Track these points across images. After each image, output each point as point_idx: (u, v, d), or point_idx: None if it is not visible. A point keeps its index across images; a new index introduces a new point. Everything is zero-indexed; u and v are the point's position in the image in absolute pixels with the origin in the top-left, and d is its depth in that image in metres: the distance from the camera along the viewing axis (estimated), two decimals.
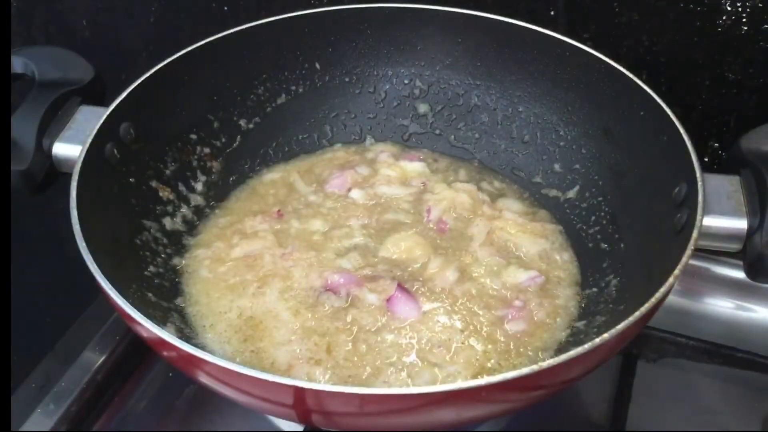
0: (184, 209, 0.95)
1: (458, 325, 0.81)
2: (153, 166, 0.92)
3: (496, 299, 0.84)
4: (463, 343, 0.80)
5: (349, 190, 0.98)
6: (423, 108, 1.07)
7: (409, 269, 0.88)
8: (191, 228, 0.95)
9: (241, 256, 0.89)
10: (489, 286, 0.86)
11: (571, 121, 0.97)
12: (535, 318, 0.83)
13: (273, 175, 1.03)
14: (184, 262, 0.90)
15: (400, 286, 0.84)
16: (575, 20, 1.03)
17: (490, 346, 0.80)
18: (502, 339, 0.81)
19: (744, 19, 0.95)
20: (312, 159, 1.05)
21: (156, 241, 0.89)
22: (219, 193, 0.99)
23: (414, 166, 1.01)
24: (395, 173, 1.00)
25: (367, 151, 1.06)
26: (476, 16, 0.98)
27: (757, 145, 0.80)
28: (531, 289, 0.86)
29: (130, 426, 0.90)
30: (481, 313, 0.83)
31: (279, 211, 0.96)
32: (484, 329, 0.81)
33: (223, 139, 1.01)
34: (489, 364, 0.78)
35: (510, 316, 0.82)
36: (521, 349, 0.80)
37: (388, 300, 0.83)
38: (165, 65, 0.92)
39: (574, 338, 0.81)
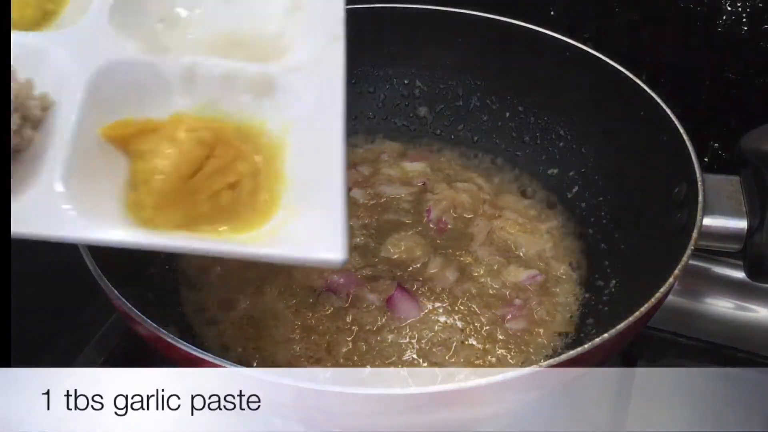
0: None
1: (458, 324, 0.81)
2: None
3: (496, 298, 0.84)
4: (463, 342, 0.80)
5: (350, 189, 0.98)
6: (423, 108, 1.07)
7: (409, 269, 0.88)
8: None
9: None
10: (489, 286, 0.86)
11: (571, 121, 0.97)
12: (535, 316, 0.83)
13: None
14: (184, 258, 0.90)
15: (400, 286, 0.84)
16: (575, 20, 1.03)
17: (489, 345, 0.80)
18: (502, 338, 0.81)
19: (744, 20, 0.95)
20: None
21: None
22: None
23: (414, 166, 1.01)
24: (396, 173, 1.00)
25: (368, 150, 1.06)
26: (476, 16, 0.98)
27: (757, 145, 0.79)
28: (531, 288, 0.86)
29: None
30: (481, 312, 0.83)
31: None
32: (484, 328, 0.81)
33: None
34: (489, 363, 0.78)
35: (510, 315, 0.82)
36: (522, 347, 0.80)
37: (388, 300, 0.83)
38: None
39: (574, 338, 0.81)
